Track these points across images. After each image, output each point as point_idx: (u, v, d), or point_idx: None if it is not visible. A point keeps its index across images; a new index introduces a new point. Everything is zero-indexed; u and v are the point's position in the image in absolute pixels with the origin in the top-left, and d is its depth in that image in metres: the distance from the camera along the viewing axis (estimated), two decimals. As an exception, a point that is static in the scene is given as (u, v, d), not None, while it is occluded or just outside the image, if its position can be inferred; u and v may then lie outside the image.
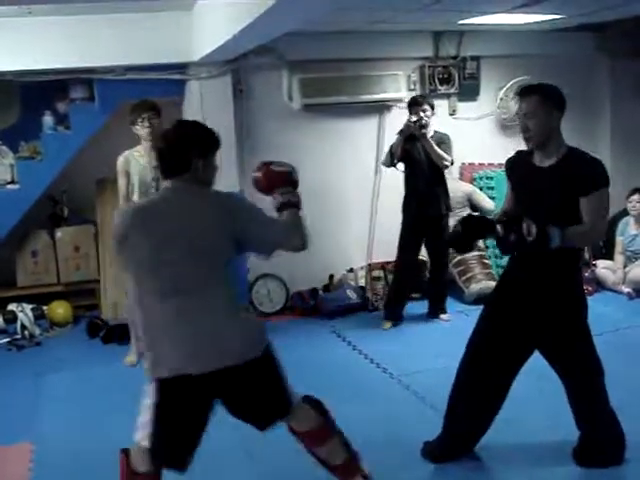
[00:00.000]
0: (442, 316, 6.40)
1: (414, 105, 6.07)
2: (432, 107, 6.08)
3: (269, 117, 6.69)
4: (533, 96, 3.35)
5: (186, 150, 2.93)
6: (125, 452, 2.98)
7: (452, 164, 6.15)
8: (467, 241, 3.48)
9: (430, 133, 6.06)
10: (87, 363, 5.69)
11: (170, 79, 6.31)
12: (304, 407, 3.13)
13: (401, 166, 6.18)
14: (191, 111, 6.34)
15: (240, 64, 6.41)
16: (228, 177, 6.27)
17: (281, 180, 3.18)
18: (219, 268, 2.91)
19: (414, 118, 5.96)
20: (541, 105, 3.32)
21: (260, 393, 3.00)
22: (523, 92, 3.42)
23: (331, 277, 6.97)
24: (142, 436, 2.89)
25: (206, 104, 6.27)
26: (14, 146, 6.63)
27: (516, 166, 3.64)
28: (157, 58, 6.07)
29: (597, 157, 3.39)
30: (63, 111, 6.51)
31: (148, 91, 6.03)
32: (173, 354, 2.80)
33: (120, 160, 5.54)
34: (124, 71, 6.20)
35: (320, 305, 6.68)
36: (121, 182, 5.52)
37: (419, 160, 6.06)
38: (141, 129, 5.45)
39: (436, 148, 5.95)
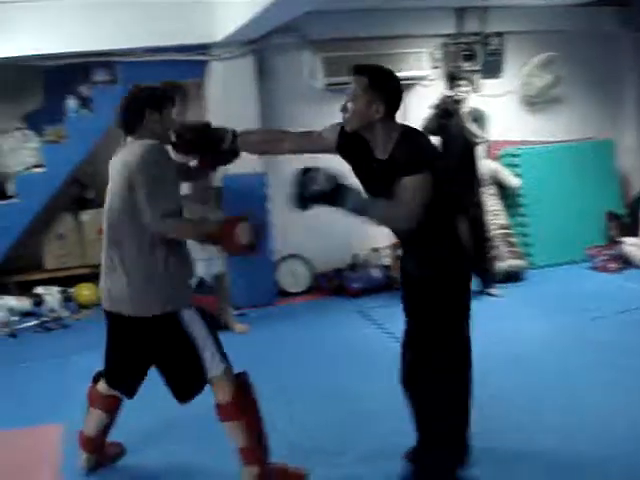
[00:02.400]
0: (490, 291, 6.32)
1: (450, 80, 6.01)
2: (470, 82, 5.99)
3: (291, 97, 6.67)
4: (359, 78, 2.98)
5: (139, 104, 3.17)
6: (94, 379, 3.46)
7: (486, 141, 6.04)
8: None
9: (466, 109, 5.97)
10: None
11: (192, 60, 6.30)
12: (222, 380, 3.18)
13: (435, 141, 6.12)
14: (214, 92, 6.34)
15: (262, 44, 6.38)
16: (251, 159, 6.27)
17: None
18: (129, 224, 3.07)
19: (449, 93, 5.90)
20: (364, 92, 2.95)
21: (166, 354, 3.20)
22: (354, 70, 3.02)
23: (355, 257, 6.95)
24: None
25: (228, 85, 6.27)
26: (38, 130, 6.67)
27: (354, 143, 3.11)
28: (179, 39, 6.06)
29: (423, 139, 3.08)
30: (86, 94, 6.52)
31: (171, 73, 6.07)
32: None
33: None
34: (145, 53, 6.20)
35: (345, 285, 6.67)
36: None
37: (455, 135, 5.96)
38: None
39: (467, 123, 5.86)
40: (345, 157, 3.17)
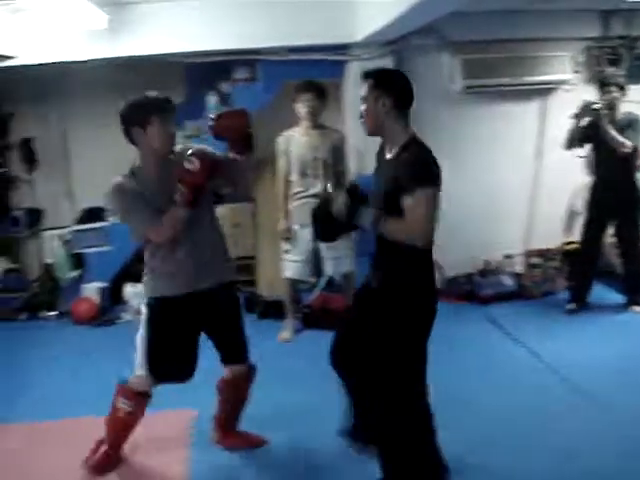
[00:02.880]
0: (635, 307, 6.08)
1: (600, 85, 5.83)
2: (621, 88, 5.76)
3: (429, 99, 6.56)
4: (366, 81, 3.22)
5: (124, 123, 3.31)
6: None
7: (635, 150, 5.77)
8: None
9: (617, 116, 5.72)
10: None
11: (331, 60, 6.34)
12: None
13: (583, 150, 5.96)
14: (351, 92, 6.34)
15: (401, 45, 6.34)
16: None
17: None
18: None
19: (594, 99, 5.73)
20: (371, 91, 3.17)
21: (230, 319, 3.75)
22: (363, 75, 3.28)
23: (487, 263, 6.83)
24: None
25: (366, 85, 6.24)
26: (179, 125, 6.82)
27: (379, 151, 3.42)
28: (319, 39, 6.11)
29: (428, 154, 3.14)
30: (226, 91, 6.65)
31: (309, 72, 6.10)
32: None
33: (280, 140, 5.63)
34: (287, 52, 6.28)
35: (475, 291, 6.57)
36: (281, 162, 5.61)
37: (605, 142, 5.73)
38: (301, 108, 5.51)
39: (612, 132, 5.61)
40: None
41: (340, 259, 5.70)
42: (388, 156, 3.23)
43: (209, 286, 3.49)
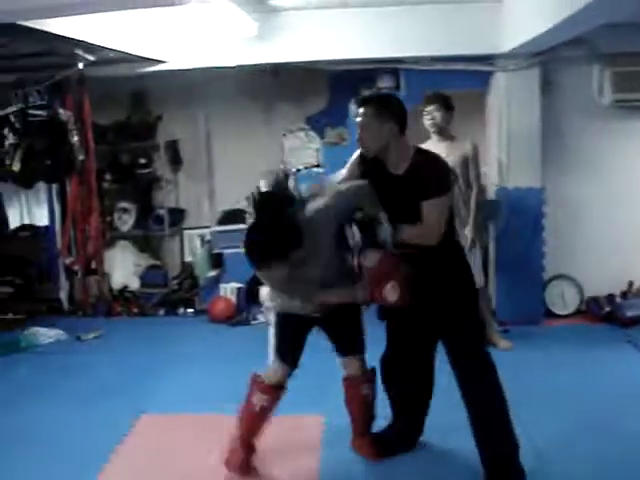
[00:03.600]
0: None
1: None
2: None
3: (576, 112, 6.38)
4: (368, 108, 3.37)
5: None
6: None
7: None
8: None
9: None
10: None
11: (476, 70, 6.25)
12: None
13: None
14: (496, 104, 6.26)
15: (548, 56, 6.17)
16: (530, 174, 6.17)
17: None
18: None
19: None
20: (375, 117, 3.33)
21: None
22: (360, 102, 3.47)
23: (630, 284, 6.56)
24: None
25: (511, 97, 6.15)
26: (321, 131, 6.94)
27: (372, 164, 3.47)
28: (464, 49, 6.04)
29: (437, 162, 3.41)
30: (369, 99, 6.66)
31: (453, 82, 6.09)
32: None
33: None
34: (431, 62, 6.25)
35: (616, 312, 6.31)
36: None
37: None
38: (425, 120, 5.44)
39: None
40: (368, 179, 3.47)
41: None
42: (397, 172, 3.39)
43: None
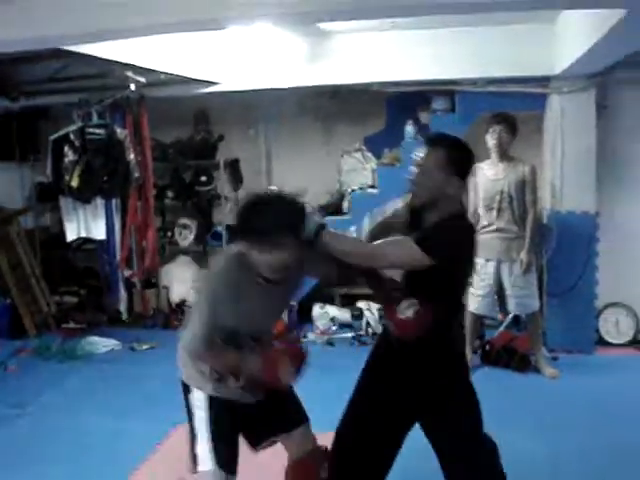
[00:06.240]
0: None
1: None
2: None
3: (633, 137, 6.22)
4: (435, 153, 2.78)
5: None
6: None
7: None
8: None
9: None
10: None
11: (530, 92, 6.19)
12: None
13: None
14: (551, 126, 6.17)
15: (604, 78, 6.05)
16: (584, 198, 6.05)
17: None
18: None
19: None
20: (439, 168, 2.75)
21: None
22: (428, 142, 2.86)
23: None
24: None
25: (566, 119, 6.05)
26: (377, 152, 6.97)
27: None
28: (518, 71, 5.99)
29: (455, 232, 2.78)
30: (424, 121, 6.68)
31: (508, 104, 6.02)
32: None
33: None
34: (485, 84, 6.22)
35: (675, 343, 6.10)
36: (470, 195, 5.52)
37: None
38: (490, 140, 5.45)
39: None
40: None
41: (524, 298, 5.53)
42: (432, 219, 2.85)
43: None
